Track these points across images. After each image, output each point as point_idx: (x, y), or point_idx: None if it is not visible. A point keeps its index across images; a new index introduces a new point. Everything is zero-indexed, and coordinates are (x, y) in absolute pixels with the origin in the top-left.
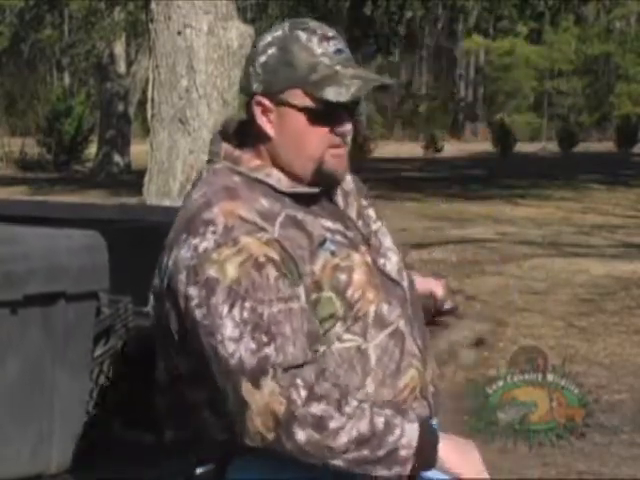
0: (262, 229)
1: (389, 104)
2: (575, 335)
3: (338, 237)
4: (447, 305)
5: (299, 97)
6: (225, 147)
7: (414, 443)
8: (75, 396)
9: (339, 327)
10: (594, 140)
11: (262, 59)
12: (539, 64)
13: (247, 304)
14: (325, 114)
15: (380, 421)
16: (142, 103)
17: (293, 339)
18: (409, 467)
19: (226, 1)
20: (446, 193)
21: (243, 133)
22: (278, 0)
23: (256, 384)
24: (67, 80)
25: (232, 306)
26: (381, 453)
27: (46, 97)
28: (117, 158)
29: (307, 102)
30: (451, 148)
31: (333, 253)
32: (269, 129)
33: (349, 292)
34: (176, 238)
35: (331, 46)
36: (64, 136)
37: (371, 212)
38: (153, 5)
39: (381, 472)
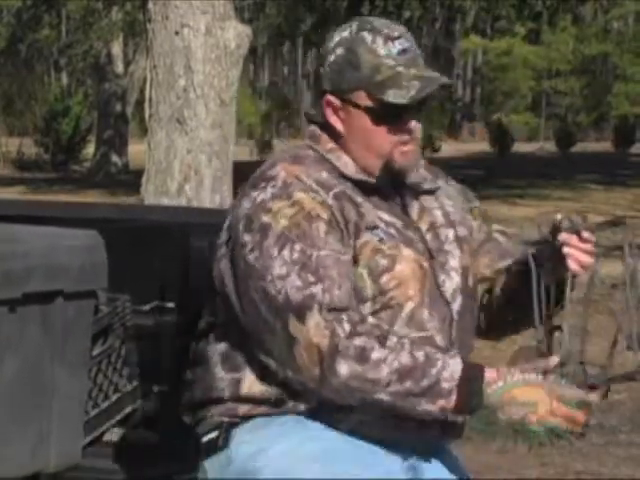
0: (317, 192)
1: None
2: (572, 335)
3: (392, 230)
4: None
5: (363, 98)
6: (311, 127)
7: (457, 375)
8: (74, 395)
9: (367, 308)
10: (592, 140)
11: (331, 59)
12: (537, 64)
13: (297, 246)
14: (390, 114)
15: (421, 354)
16: (140, 103)
17: (339, 283)
18: (453, 399)
19: (224, 1)
20: None
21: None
22: (275, 0)
23: (302, 319)
24: (65, 80)
25: (282, 248)
26: (424, 384)
27: (44, 97)
28: (115, 158)
29: (371, 103)
30: (449, 148)
31: (381, 240)
32: (339, 126)
33: (384, 278)
34: (241, 192)
35: (396, 46)
36: (62, 136)
37: (471, 224)
38: (150, 5)
39: (425, 406)
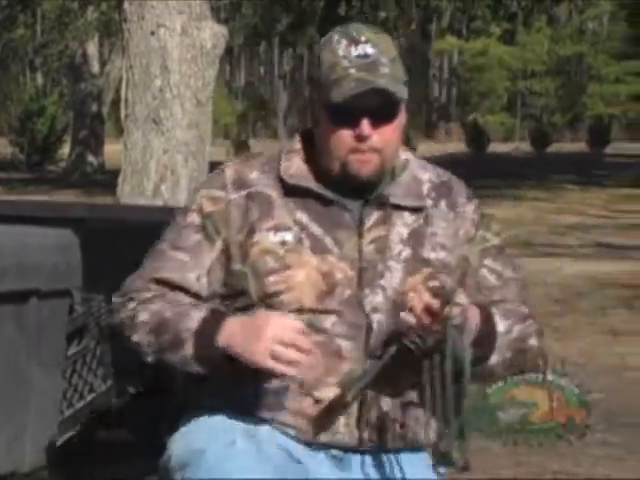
0: (224, 188)
1: None
2: (549, 335)
3: (304, 235)
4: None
5: (322, 94)
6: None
7: (193, 325)
8: (49, 394)
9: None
10: (567, 140)
11: (313, 56)
12: (512, 65)
13: (166, 234)
14: (341, 115)
15: (173, 312)
16: (116, 103)
17: (149, 273)
18: (190, 348)
19: (200, 1)
20: None
21: None
22: (252, 0)
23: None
24: (40, 80)
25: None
26: (168, 337)
27: (19, 97)
28: (91, 158)
29: (325, 102)
30: (425, 148)
31: (284, 243)
32: (312, 123)
33: (270, 279)
34: None
35: (357, 50)
36: (37, 136)
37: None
38: (126, 5)
39: (173, 358)
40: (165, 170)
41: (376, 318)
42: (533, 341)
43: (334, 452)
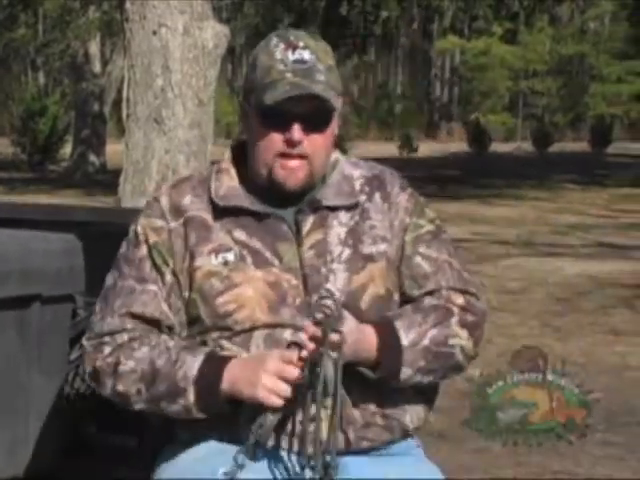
0: (163, 217)
1: (365, 104)
2: (550, 335)
3: (245, 251)
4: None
5: (254, 98)
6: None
7: (191, 373)
8: (50, 399)
9: (216, 337)
10: (568, 140)
11: (249, 60)
12: (514, 64)
13: (114, 273)
14: (272, 118)
15: (163, 359)
16: (117, 103)
17: (118, 310)
18: (191, 397)
19: (201, 1)
20: (421, 193)
21: None
22: (253, 0)
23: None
24: (42, 79)
25: (111, 271)
26: (164, 387)
27: (20, 97)
28: (92, 158)
29: (257, 105)
30: (426, 148)
31: (226, 263)
32: (244, 129)
33: (219, 300)
34: None
35: (294, 55)
36: (39, 136)
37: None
38: (128, 4)
39: (172, 407)
40: (167, 170)
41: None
42: (455, 340)
43: (327, 458)
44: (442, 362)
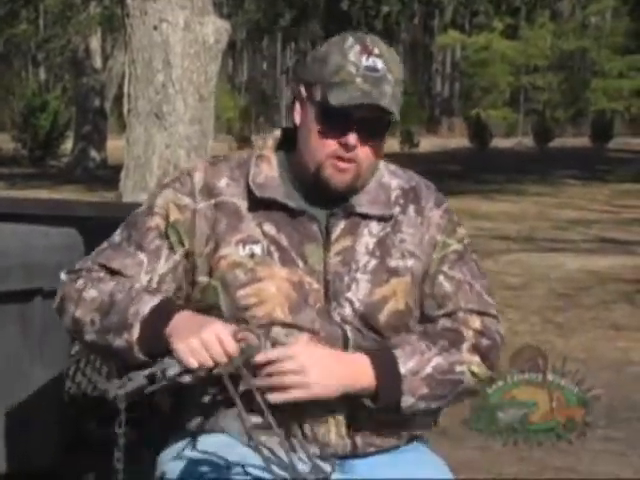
0: (192, 195)
1: None
2: (551, 330)
3: (273, 247)
4: None
5: (318, 93)
6: (278, 130)
7: (143, 311)
8: (52, 393)
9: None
10: (569, 135)
11: (314, 52)
12: (515, 59)
13: (124, 231)
14: (333, 118)
15: (124, 293)
16: (118, 98)
17: (98, 258)
18: (135, 333)
19: None
20: None
21: None
22: None
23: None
24: (42, 75)
25: (122, 226)
26: (115, 319)
27: (21, 92)
28: (93, 153)
29: (320, 99)
30: (427, 143)
31: (253, 255)
32: (296, 116)
33: (240, 292)
34: None
35: (367, 60)
36: (40, 131)
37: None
38: (129, 0)
39: (116, 341)
40: (168, 165)
41: (348, 329)
42: (463, 367)
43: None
44: (450, 389)
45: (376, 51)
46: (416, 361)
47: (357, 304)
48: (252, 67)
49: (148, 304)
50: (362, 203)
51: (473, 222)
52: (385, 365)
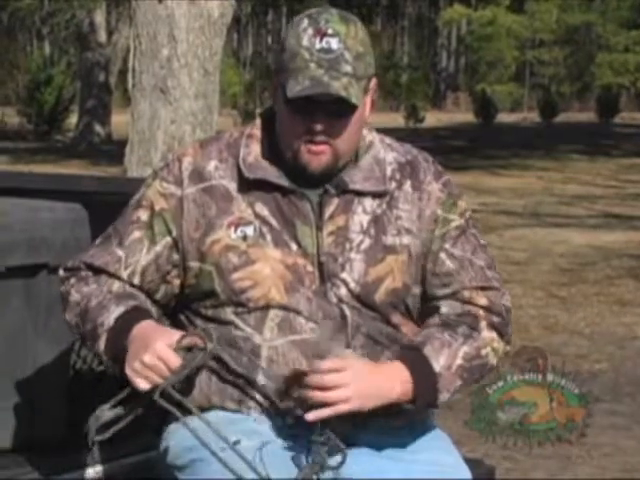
0: (178, 183)
1: None
2: (556, 305)
3: (265, 229)
4: None
5: (281, 81)
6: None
7: (108, 323)
8: (55, 366)
9: (230, 313)
10: (575, 110)
11: (281, 36)
12: (521, 34)
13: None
14: (297, 106)
15: (96, 301)
16: (123, 72)
17: (86, 256)
18: (102, 343)
19: None
20: None
21: None
22: None
23: None
24: (47, 49)
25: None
26: (89, 327)
27: (26, 66)
28: (98, 128)
29: (282, 91)
30: (432, 118)
31: (245, 238)
32: (274, 102)
33: (235, 275)
34: None
35: (321, 43)
36: (44, 106)
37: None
38: None
39: (93, 348)
40: (172, 140)
41: (345, 308)
42: (487, 349)
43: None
44: (478, 373)
45: (330, 31)
46: (446, 355)
47: (352, 284)
48: (257, 42)
49: (112, 314)
50: (356, 180)
51: (478, 197)
52: (420, 368)
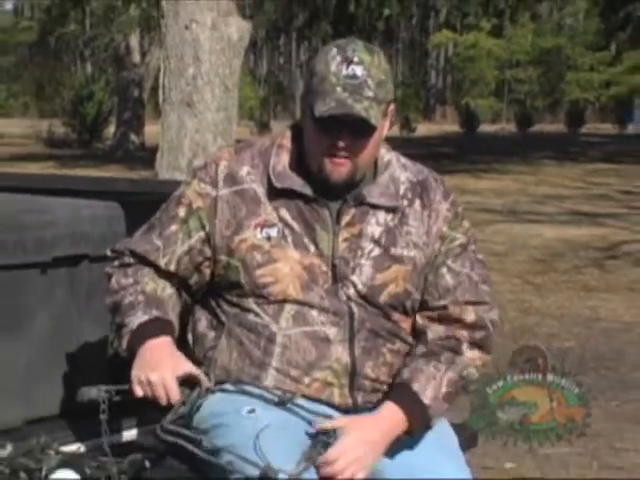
0: (214, 184)
1: None
2: (530, 291)
3: (287, 231)
4: None
5: (309, 101)
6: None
7: (133, 325)
8: (98, 345)
9: (252, 302)
10: (547, 122)
11: (311, 61)
12: (500, 55)
13: (157, 214)
14: (323, 124)
15: (130, 300)
16: (154, 89)
17: (139, 243)
18: (125, 342)
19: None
20: None
21: None
22: (273, 1)
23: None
24: (89, 69)
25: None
26: (118, 321)
27: (71, 84)
28: (133, 137)
29: (310, 107)
30: (424, 129)
31: (269, 238)
32: (301, 119)
33: (258, 272)
34: None
35: (347, 69)
36: (87, 118)
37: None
38: (164, 3)
39: (121, 343)
40: (197, 147)
41: (353, 305)
42: (470, 369)
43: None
44: (462, 391)
45: (356, 59)
46: (432, 387)
47: (360, 286)
48: (270, 62)
49: (137, 320)
50: (373, 194)
51: (463, 197)
52: (412, 405)
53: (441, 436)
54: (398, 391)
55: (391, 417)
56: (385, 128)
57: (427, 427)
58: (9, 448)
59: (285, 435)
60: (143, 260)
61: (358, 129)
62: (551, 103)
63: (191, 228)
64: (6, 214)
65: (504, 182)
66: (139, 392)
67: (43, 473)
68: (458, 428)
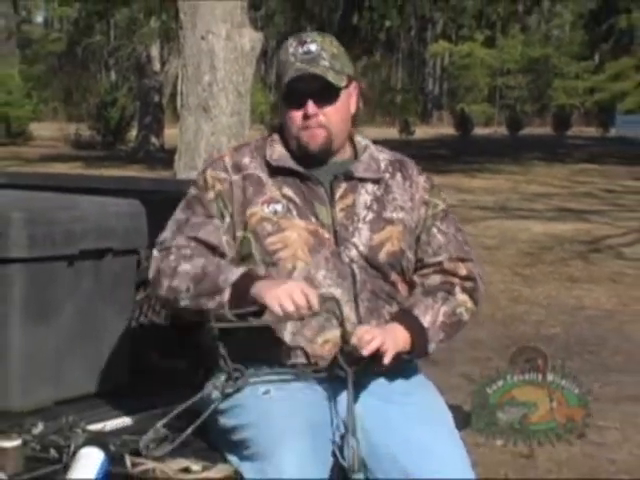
0: (226, 170)
1: (371, 96)
2: (520, 282)
3: (291, 205)
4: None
5: (279, 86)
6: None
7: (231, 279)
8: (121, 332)
9: (263, 270)
10: (536, 125)
11: None
12: (492, 64)
13: (184, 206)
14: (291, 96)
15: (213, 266)
16: (173, 95)
17: (187, 233)
18: (226, 296)
19: (240, 12)
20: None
21: None
22: (282, 13)
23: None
24: (113, 77)
25: (182, 205)
26: (207, 285)
27: (96, 90)
28: (153, 139)
29: (279, 89)
30: (421, 132)
31: (276, 212)
32: (279, 115)
33: (269, 240)
34: None
35: (303, 48)
36: (110, 122)
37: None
38: (182, 15)
39: (209, 303)
40: (212, 149)
41: (357, 272)
42: (461, 308)
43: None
44: (455, 328)
45: (309, 40)
46: (430, 314)
47: (361, 247)
48: None
49: (236, 273)
50: (358, 170)
51: (458, 195)
52: (413, 325)
53: (438, 413)
54: (400, 315)
55: (397, 331)
56: (353, 104)
57: (425, 351)
58: (40, 427)
59: (299, 414)
60: (205, 245)
61: (322, 94)
62: (539, 108)
63: (221, 208)
64: (38, 210)
65: (496, 181)
66: (276, 307)
67: (71, 450)
68: (453, 409)
